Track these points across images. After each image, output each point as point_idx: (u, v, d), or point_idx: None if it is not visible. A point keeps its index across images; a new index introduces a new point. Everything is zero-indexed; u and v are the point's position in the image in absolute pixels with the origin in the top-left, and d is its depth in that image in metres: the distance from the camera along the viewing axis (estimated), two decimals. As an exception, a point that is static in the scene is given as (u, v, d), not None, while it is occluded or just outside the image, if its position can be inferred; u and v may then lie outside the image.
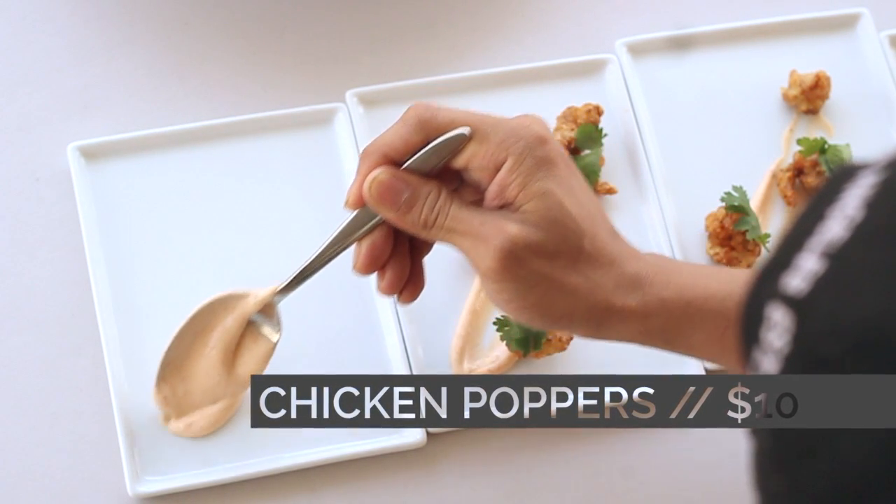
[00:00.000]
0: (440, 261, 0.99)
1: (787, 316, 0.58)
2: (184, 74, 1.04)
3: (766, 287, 0.60)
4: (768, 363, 0.59)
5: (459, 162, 0.81)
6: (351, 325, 0.97)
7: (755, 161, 1.05)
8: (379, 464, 0.94)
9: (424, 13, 1.07)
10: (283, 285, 0.88)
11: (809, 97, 1.06)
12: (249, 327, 0.91)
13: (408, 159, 0.81)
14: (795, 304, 0.58)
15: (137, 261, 0.97)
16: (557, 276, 0.80)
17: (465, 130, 0.80)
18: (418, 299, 0.97)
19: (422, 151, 0.81)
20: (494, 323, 0.96)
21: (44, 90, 1.02)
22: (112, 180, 0.99)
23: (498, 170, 0.80)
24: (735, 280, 0.81)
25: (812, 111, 1.06)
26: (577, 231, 0.80)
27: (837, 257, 0.58)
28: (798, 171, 1.03)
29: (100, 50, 1.04)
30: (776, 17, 1.08)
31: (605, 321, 0.81)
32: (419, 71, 1.04)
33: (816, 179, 1.02)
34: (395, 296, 0.86)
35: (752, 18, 1.08)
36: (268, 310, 0.91)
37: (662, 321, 0.81)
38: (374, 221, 0.83)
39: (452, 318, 0.98)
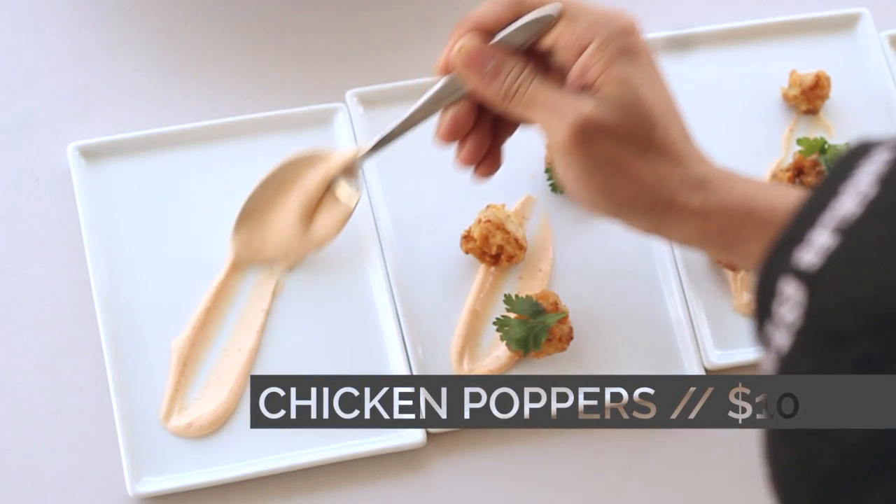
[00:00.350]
0: (440, 261, 0.99)
1: (799, 290, 0.58)
2: (184, 74, 1.04)
3: (778, 262, 0.60)
4: (780, 337, 0.59)
5: (546, 42, 0.83)
6: (351, 325, 0.97)
7: (755, 161, 1.05)
8: (379, 464, 0.94)
9: (424, 13, 1.07)
10: (367, 148, 0.89)
11: (809, 97, 1.06)
12: (329, 189, 0.92)
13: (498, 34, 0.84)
14: (808, 279, 0.58)
15: (137, 261, 0.97)
16: (625, 162, 0.81)
17: (553, 10, 0.82)
18: (418, 302, 0.97)
19: (511, 27, 0.83)
20: (494, 323, 0.96)
21: (44, 90, 1.02)
22: (112, 180, 0.99)
23: (582, 52, 0.81)
24: (794, 193, 0.81)
25: (812, 111, 1.06)
26: (650, 121, 0.81)
27: (850, 232, 0.58)
28: (798, 171, 1.03)
29: (100, 50, 1.04)
30: (776, 17, 1.08)
31: (665, 216, 0.82)
32: (419, 71, 1.04)
33: (816, 179, 1.02)
34: (472, 169, 0.88)
35: (752, 18, 1.08)
36: (350, 172, 0.91)
37: (723, 225, 0.81)
38: (459, 93, 0.85)
39: (452, 318, 0.98)
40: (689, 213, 0.81)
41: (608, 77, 0.81)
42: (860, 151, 0.61)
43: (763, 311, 0.61)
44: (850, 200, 0.59)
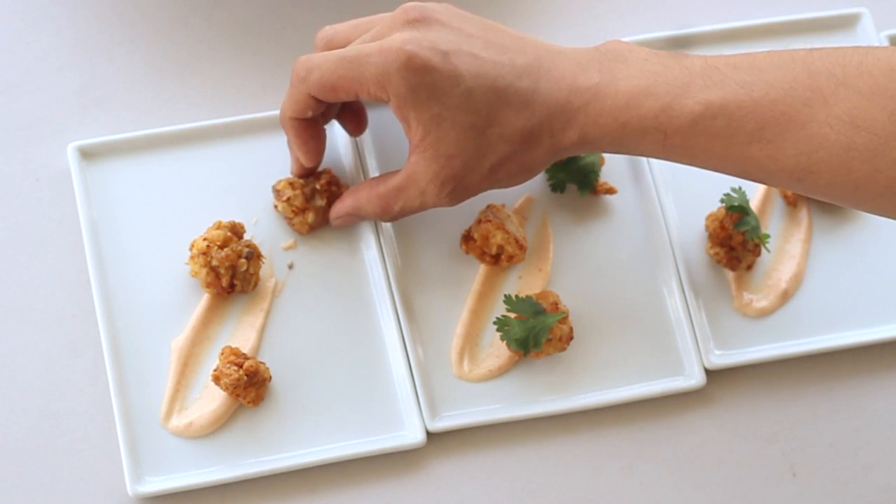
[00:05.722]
0: (440, 261, 0.99)
1: None
2: (184, 74, 1.04)
3: None
4: None
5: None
6: (351, 326, 0.97)
7: (755, 161, 1.05)
8: (379, 464, 0.94)
9: (424, 13, 1.07)
10: None
11: (809, 97, 1.05)
12: None
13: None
14: None
15: (137, 261, 0.97)
16: (496, 182, 0.91)
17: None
18: (418, 302, 0.98)
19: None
20: (494, 323, 0.96)
21: (44, 90, 1.02)
22: (112, 180, 0.99)
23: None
24: (670, 91, 0.85)
25: (812, 111, 1.06)
26: (480, 147, 0.89)
27: None
28: (798, 171, 1.03)
29: (100, 50, 1.04)
30: (776, 17, 1.08)
31: (559, 156, 0.90)
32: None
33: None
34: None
35: (752, 18, 1.08)
36: None
37: (606, 143, 0.88)
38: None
39: (452, 318, 0.98)
40: (574, 146, 0.88)
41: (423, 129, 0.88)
42: None
43: None
44: None
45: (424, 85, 0.86)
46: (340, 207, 0.96)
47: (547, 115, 0.87)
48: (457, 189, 0.90)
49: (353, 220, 0.97)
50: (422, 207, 0.92)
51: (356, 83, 0.89)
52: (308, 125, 0.94)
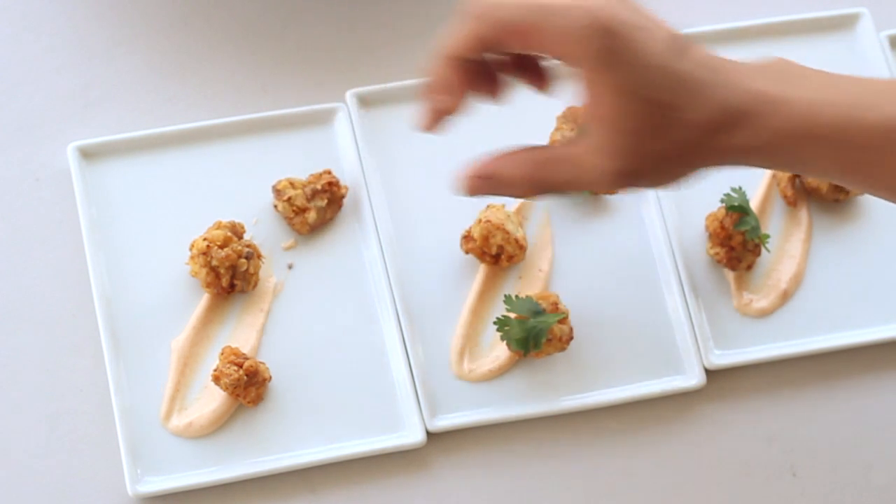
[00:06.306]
0: (440, 261, 0.99)
1: None
2: (184, 74, 1.04)
3: None
4: None
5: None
6: (351, 325, 0.97)
7: (755, 161, 1.05)
8: (379, 464, 0.94)
9: (424, 13, 1.07)
10: None
11: (809, 97, 1.05)
12: None
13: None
14: None
15: (137, 261, 0.97)
16: (657, 176, 0.82)
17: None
18: (418, 302, 0.97)
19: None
20: (494, 323, 0.96)
21: (44, 90, 1.02)
22: (112, 180, 0.99)
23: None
24: (853, 104, 0.80)
25: (812, 111, 1.06)
26: (651, 123, 0.80)
27: None
28: (798, 171, 1.03)
29: (100, 50, 1.04)
30: (776, 17, 1.08)
31: (726, 161, 0.81)
32: (419, 71, 1.04)
33: (816, 179, 1.02)
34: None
35: (752, 18, 1.08)
36: None
37: (781, 155, 0.81)
38: None
39: (452, 318, 0.98)
40: (742, 152, 0.80)
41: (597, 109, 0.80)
42: None
43: None
44: None
45: (619, 51, 0.79)
46: (479, 168, 0.84)
47: (721, 113, 0.81)
48: (623, 172, 0.82)
49: (486, 186, 0.85)
50: (576, 185, 0.83)
51: (544, 33, 0.80)
52: (466, 68, 0.84)
